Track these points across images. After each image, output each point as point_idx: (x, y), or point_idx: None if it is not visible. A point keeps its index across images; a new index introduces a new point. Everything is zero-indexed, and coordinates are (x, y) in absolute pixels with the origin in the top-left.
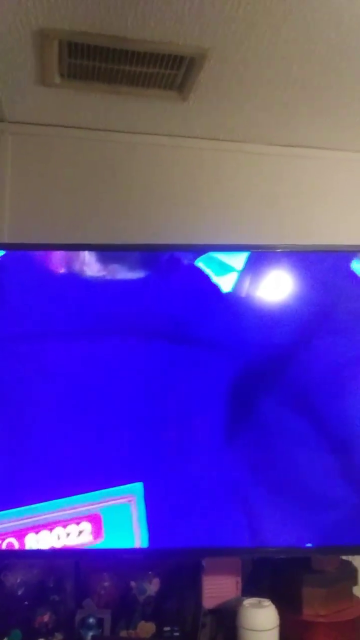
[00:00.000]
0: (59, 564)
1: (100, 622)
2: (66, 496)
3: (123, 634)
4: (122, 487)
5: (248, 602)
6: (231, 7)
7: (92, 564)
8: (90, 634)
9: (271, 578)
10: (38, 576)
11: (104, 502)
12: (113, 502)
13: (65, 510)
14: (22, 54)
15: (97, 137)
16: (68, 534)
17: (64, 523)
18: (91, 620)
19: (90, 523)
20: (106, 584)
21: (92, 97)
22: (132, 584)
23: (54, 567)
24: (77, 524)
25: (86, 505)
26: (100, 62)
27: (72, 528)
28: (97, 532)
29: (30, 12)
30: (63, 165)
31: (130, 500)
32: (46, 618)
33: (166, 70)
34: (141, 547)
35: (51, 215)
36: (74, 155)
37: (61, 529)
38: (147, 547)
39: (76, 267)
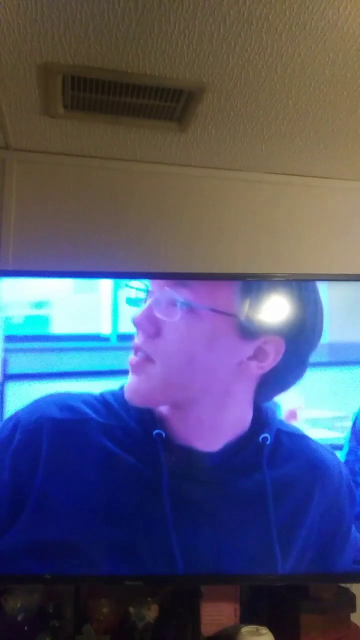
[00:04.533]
0: (59, 589)
1: None
2: None
3: None
4: None
5: (246, 629)
6: (228, 44)
7: (92, 590)
8: None
9: (269, 605)
10: (38, 601)
11: None
12: None
13: None
14: (28, 86)
15: (99, 165)
16: None
17: None
18: None
19: None
20: (105, 610)
21: (94, 127)
22: (131, 610)
23: (53, 592)
24: None
25: None
26: (102, 95)
27: None
28: None
29: (35, 48)
30: (66, 192)
31: None
32: None
33: (166, 103)
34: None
35: (54, 241)
36: (76, 182)
37: None
38: (147, 574)
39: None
